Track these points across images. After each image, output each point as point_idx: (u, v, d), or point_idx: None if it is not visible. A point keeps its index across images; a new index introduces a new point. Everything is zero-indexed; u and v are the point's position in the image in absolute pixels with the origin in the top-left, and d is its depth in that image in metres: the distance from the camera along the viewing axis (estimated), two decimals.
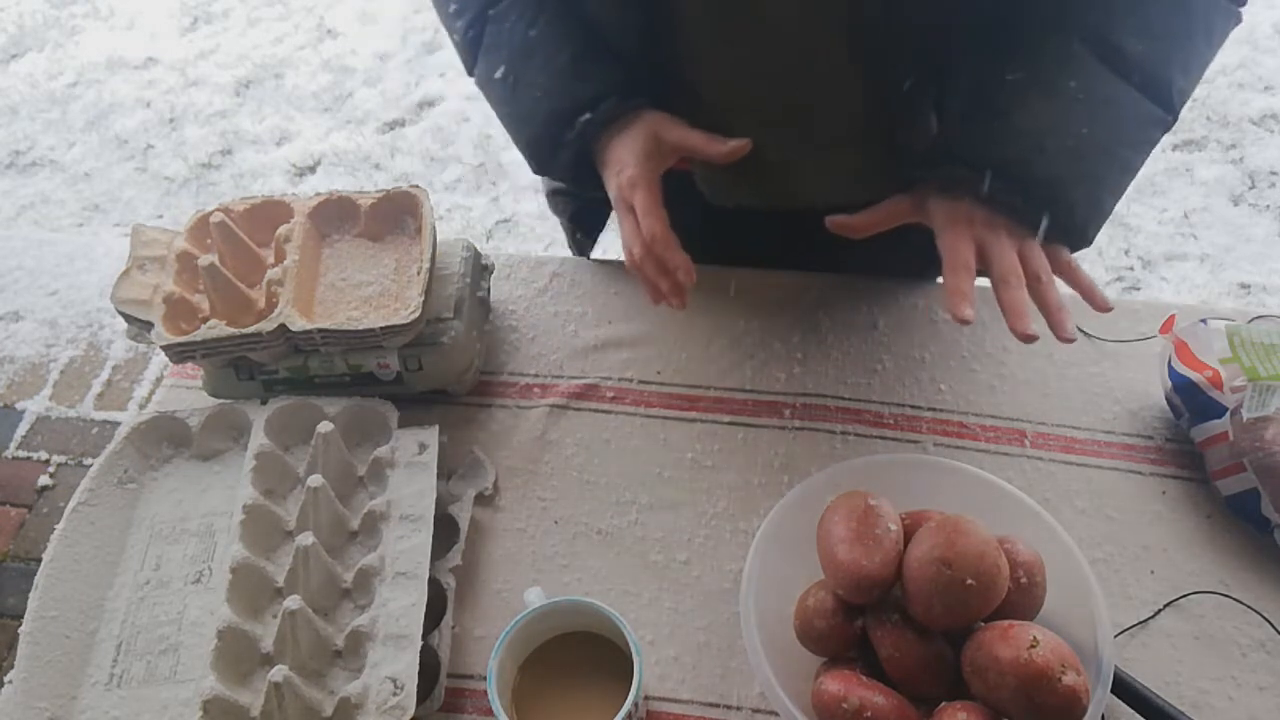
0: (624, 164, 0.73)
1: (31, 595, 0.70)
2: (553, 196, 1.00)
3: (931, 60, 0.73)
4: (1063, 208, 0.67)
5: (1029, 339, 0.65)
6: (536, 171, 0.82)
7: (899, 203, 0.73)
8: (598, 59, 0.75)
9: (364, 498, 0.77)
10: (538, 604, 0.65)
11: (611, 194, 0.75)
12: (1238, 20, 0.70)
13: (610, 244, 0.93)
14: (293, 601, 0.65)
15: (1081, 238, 0.69)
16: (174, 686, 0.67)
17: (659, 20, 0.73)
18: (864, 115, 0.78)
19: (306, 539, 0.68)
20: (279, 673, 0.62)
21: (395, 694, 0.63)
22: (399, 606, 0.67)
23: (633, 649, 0.62)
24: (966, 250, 0.67)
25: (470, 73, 0.80)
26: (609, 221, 0.91)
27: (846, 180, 0.82)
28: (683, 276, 0.72)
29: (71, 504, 0.75)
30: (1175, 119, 0.69)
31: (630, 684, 0.61)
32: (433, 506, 0.73)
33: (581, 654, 0.66)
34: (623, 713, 0.59)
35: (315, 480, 0.71)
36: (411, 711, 0.63)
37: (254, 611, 0.69)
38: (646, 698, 0.68)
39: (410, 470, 0.75)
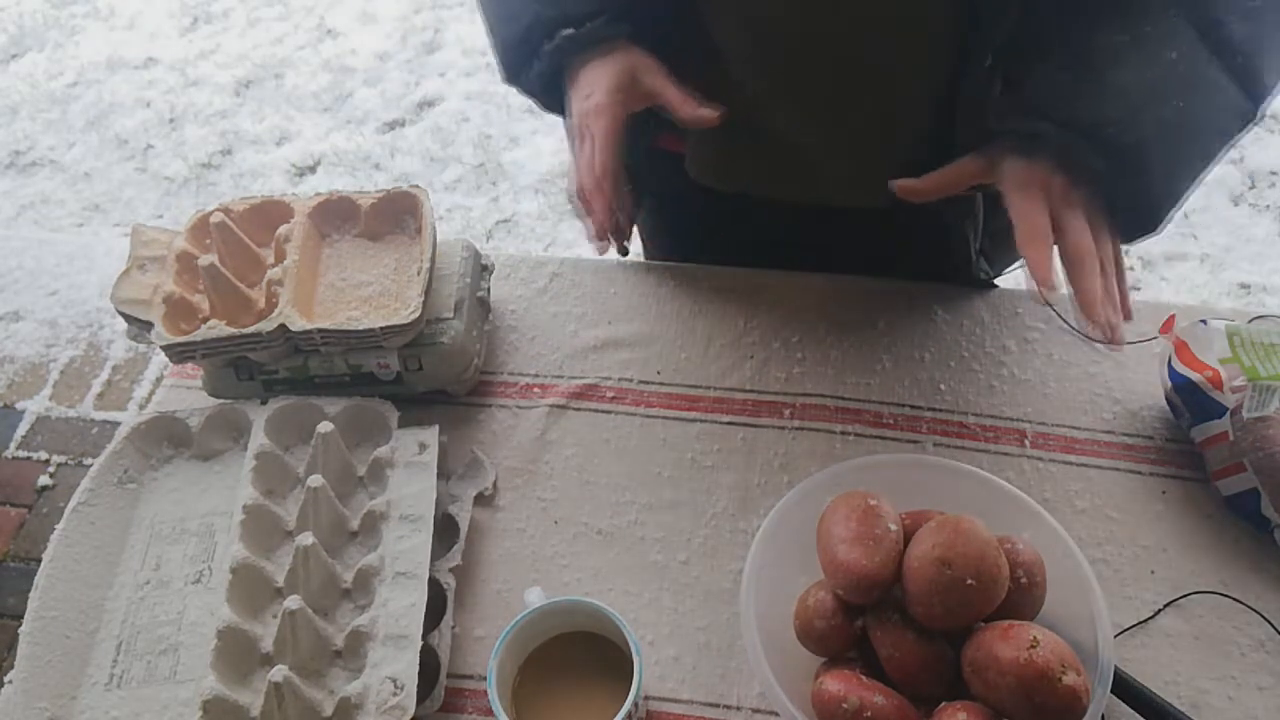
0: (593, 89, 0.71)
1: (31, 595, 0.70)
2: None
3: (1012, 43, 0.68)
4: (1144, 181, 0.64)
5: (1105, 332, 0.64)
6: (506, 79, 0.79)
7: (971, 162, 0.69)
8: None
9: (364, 498, 0.77)
10: (538, 604, 0.65)
11: (572, 116, 0.73)
12: None
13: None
14: (293, 601, 0.65)
15: (1152, 219, 0.65)
16: (174, 686, 0.67)
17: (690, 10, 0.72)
18: (921, 109, 0.75)
19: (306, 539, 0.68)
20: (279, 673, 0.62)
21: (395, 694, 0.63)
22: (399, 606, 0.67)
23: (633, 649, 0.62)
24: (1043, 219, 0.63)
25: None
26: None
27: (880, 181, 0.77)
28: (623, 219, 0.72)
29: (71, 504, 0.75)
30: (1259, 117, 0.66)
31: (630, 684, 0.61)
32: (433, 506, 0.73)
33: (582, 654, 0.66)
34: (623, 713, 0.59)
35: (315, 480, 0.71)
36: (411, 711, 0.63)
37: (254, 611, 0.69)
38: (647, 697, 0.68)
39: (410, 470, 0.75)
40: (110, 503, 0.76)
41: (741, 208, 0.88)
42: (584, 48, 0.72)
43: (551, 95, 0.76)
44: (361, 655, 0.67)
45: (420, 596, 0.68)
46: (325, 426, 0.75)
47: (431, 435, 0.77)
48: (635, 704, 0.60)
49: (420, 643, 0.66)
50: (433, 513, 0.73)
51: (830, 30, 0.71)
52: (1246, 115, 0.66)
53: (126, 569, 0.73)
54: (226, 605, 0.66)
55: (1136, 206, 0.65)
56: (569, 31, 0.71)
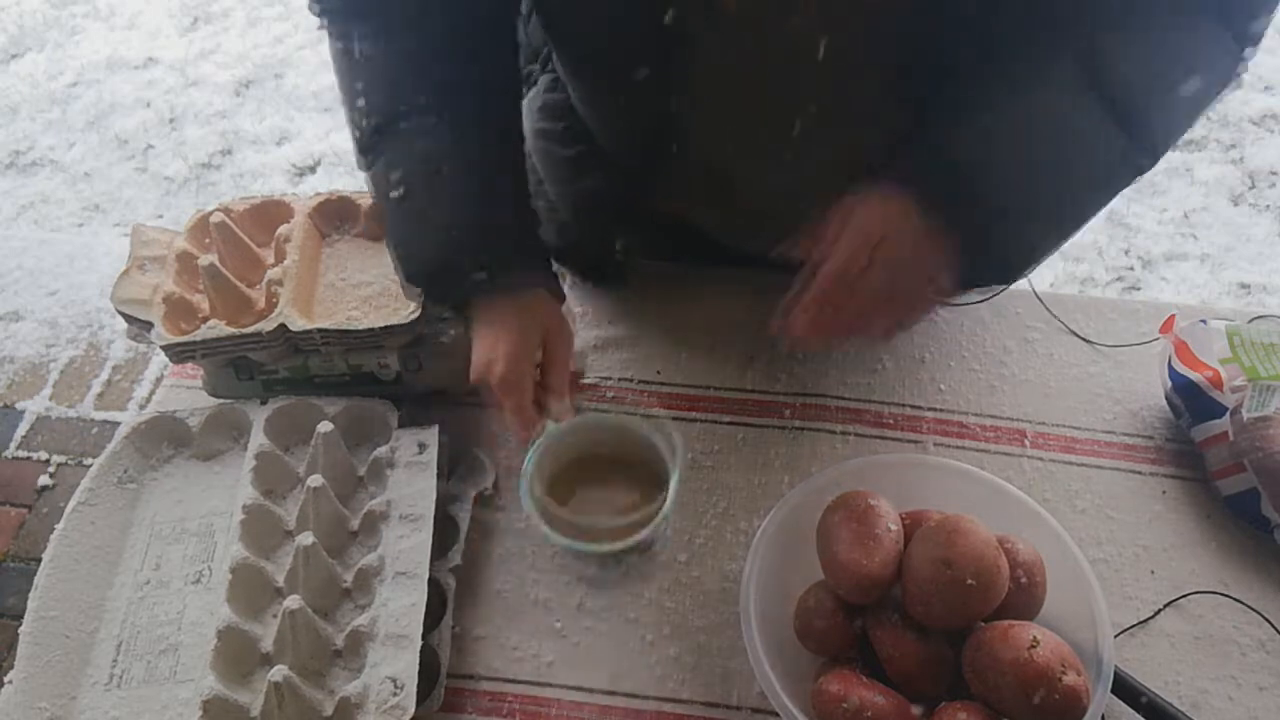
0: (495, 354, 0.67)
1: (31, 595, 0.70)
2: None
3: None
4: (997, 226, 0.61)
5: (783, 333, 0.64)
6: (407, 294, 0.76)
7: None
8: (502, 212, 0.69)
9: (364, 498, 0.77)
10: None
11: (475, 371, 0.69)
12: (1239, 78, 0.64)
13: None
14: (293, 601, 0.65)
15: (1006, 269, 0.64)
16: (174, 686, 0.67)
17: (672, 52, 0.69)
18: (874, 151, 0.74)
19: (306, 539, 0.68)
20: (278, 673, 0.62)
21: (395, 694, 0.63)
22: (399, 606, 0.67)
23: (671, 452, 0.61)
24: (852, 268, 0.61)
25: (361, 164, 0.71)
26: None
27: None
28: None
29: (71, 504, 0.75)
30: (1153, 163, 0.63)
31: (663, 493, 0.61)
32: (433, 506, 0.73)
33: (610, 474, 0.68)
34: (661, 515, 0.61)
35: (315, 480, 0.71)
36: (411, 711, 0.63)
37: (254, 611, 0.69)
38: (648, 697, 0.68)
39: (410, 470, 0.75)
40: (110, 503, 0.76)
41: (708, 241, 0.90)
42: (494, 287, 0.68)
43: (454, 309, 0.74)
44: (361, 655, 0.67)
45: (420, 596, 0.68)
46: (325, 426, 0.75)
47: (431, 435, 0.77)
48: (667, 518, 0.62)
49: (420, 643, 0.66)
50: (433, 513, 0.73)
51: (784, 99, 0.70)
52: (1137, 164, 0.62)
53: (126, 569, 0.73)
54: (226, 605, 0.66)
55: (987, 251, 0.62)
56: (480, 275, 0.67)
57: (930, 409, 0.83)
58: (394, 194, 0.68)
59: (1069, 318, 0.88)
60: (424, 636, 0.67)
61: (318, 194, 0.86)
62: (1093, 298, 0.76)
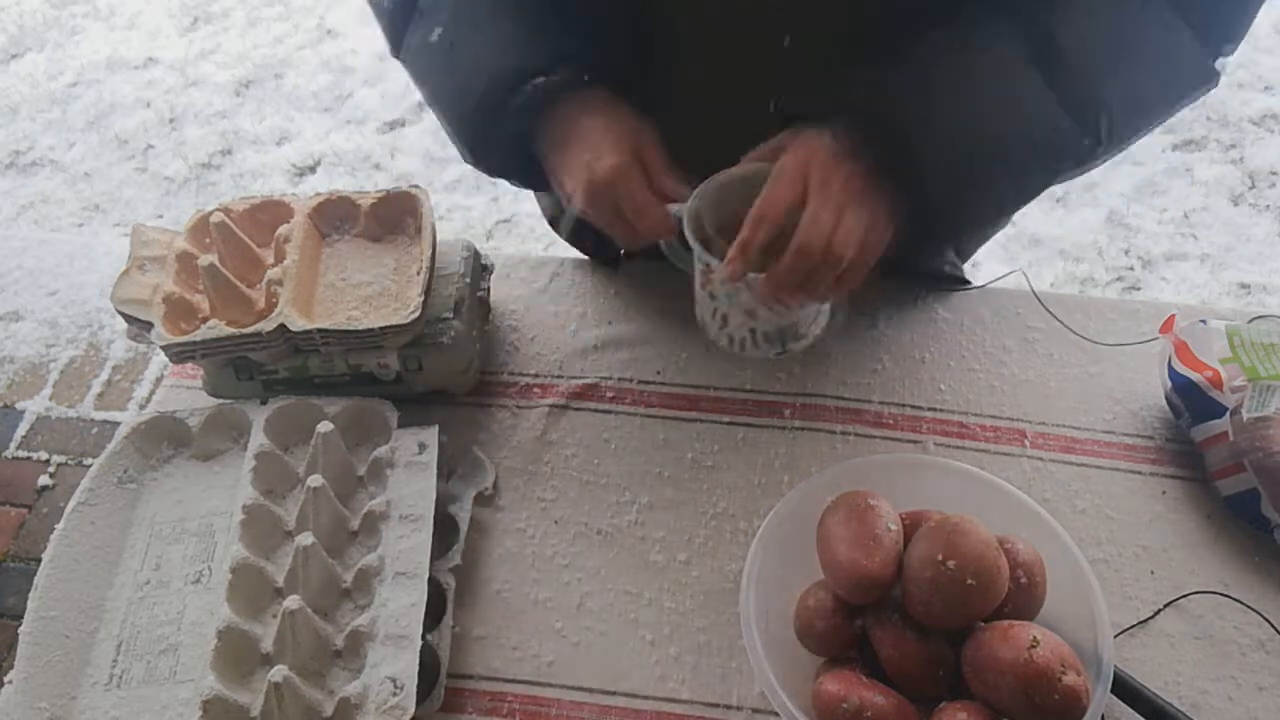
0: (600, 150, 0.62)
1: (31, 595, 0.69)
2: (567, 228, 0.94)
3: None
4: (929, 186, 0.59)
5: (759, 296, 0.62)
6: (469, 158, 0.71)
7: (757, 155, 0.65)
8: (553, 25, 0.65)
9: (364, 498, 0.77)
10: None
11: (577, 183, 0.64)
12: (1211, 83, 0.64)
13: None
14: (292, 601, 0.65)
15: (931, 226, 0.62)
16: (174, 687, 0.67)
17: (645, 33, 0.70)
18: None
19: (306, 539, 0.68)
20: (278, 673, 0.62)
21: (395, 694, 0.63)
22: (399, 606, 0.67)
23: None
24: (787, 197, 0.59)
25: (396, 46, 0.67)
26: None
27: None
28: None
29: (71, 504, 0.75)
30: (1098, 150, 0.62)
31: None
32: (433, 506, 0.73)
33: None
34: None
35: (315, 480, 0.71)
36: (411, 711, 0.63)
37: (254, 611, 0.69)
38: (648, 697, 0.68)
39: (410, 470, 0.75)
40: (110, 503, 0.76)
41: None
42: (558, 97, 0.64)
43: (520, 163, 0.69)
44: (361, 655, 0.67)
45: (420, 596, 0.68)
46: (325, 426, 0.75)
47: (431, 435, 0.77)
48: None
49: (420, 643, 0.66)
50: (432, 512, 0.73)
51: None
52: (1078, 149, 0.61)
53: (126, 569, 0.73)
54: (226, 605, 0.66)
55: (923, 204, 0.61)
56: (541, 80, 0.63)
57: (930, 409, 0.83)
58: (433, 38, 0.65)
59: (1069, 318, 0.88)
60: (424, 636, 0.67)
61: (318, 194, 0.86)
62: (1093, 298, 0.76)
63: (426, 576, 0.69)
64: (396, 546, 0.71)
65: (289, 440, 0.79)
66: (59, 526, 0.73)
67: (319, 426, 0.75)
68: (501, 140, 0.67)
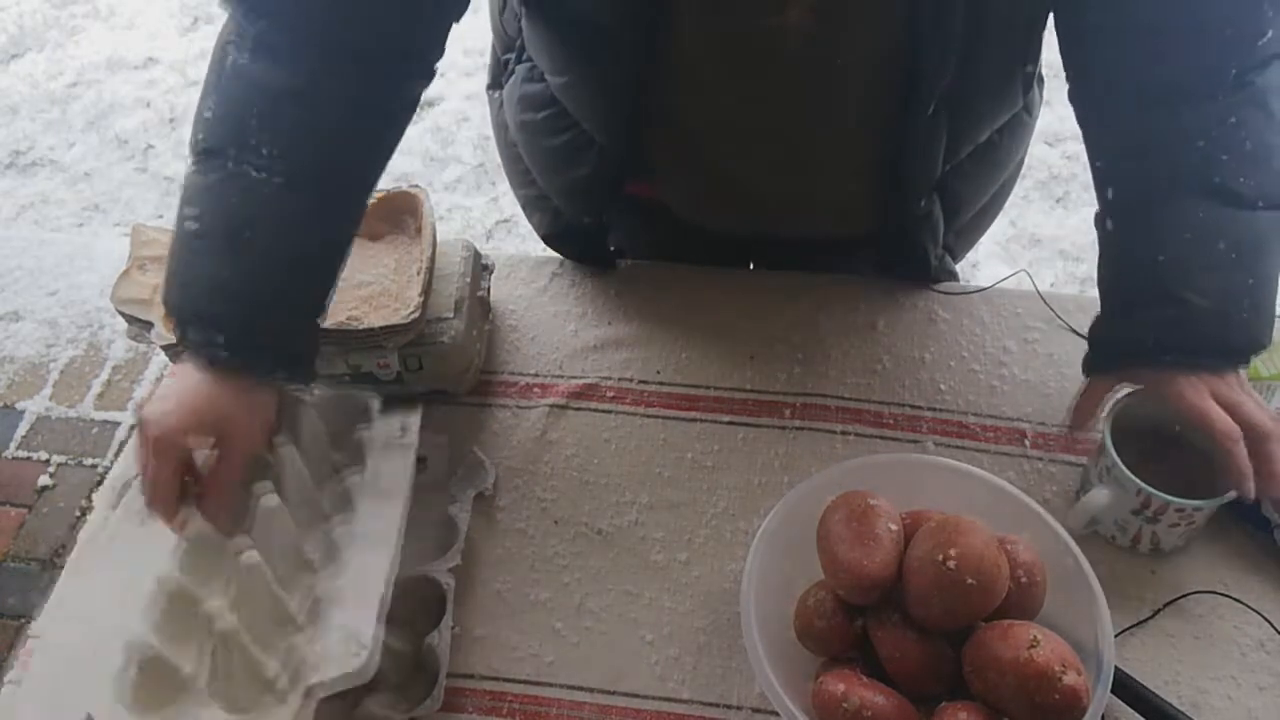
0: (166, 406, 0.63)
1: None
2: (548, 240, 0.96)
3: (953, 90, 0.71)
4: (1256, 347, 0.67)
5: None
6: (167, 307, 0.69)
7: (1101, 386, 0.73)
8: (280, 308, 0.66)
9: (340, 478, 0.75)
10: None
11: (141, 416, 0.64)
12: None
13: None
14: (249, 557, 0.62)
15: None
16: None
17: (655, 39, 0.71)
18: (869, 145, 0.77)
19: (271, 500, 0.66)
20: (227, 622, 0.60)
21: (356, 654, 0.61)
22: (363, 565, 0.66)
23: None
24: (1226, 418, 0.65)
25: (188, 164, 0.67)
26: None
27: (839, 212, 0.82)
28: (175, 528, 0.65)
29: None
30: None
31: None
32: (409, 484, 0.72)
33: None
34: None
35: (281, 440, 0.70)
36: (371, 674, 0.61)
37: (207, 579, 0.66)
38: (648, 697, 0.68)
39: (389, 450, 0.75)
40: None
41: (706, 241, 0.91)
42: (216, 361, 0.64)
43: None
44: (324, 618, 0.65)
45: (388, 559, 0.66)
46: (309, 414, 0.74)
47: (414, 417, 0.77)
48: None
49: (386, 605, 0.64)
50: (409, 490, 0.72)
51: (778, 87, 0.72)
52: None
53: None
54: (179, 572, 0.64)
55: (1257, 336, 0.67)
56: (219, 340, 0.64)
57: (930, 409, 0.83)
58: (189, 225, 0.65)
59: (1069, 318, 0.88)
60: (423, 636, 0.67)
61: None
62: (1093, 298, 0.75)
63: (397, 544, 0.68)
64: (368, 523, 0.70)
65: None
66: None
67: (300, 410, 0.73)
68: (181, 340, 0.67)
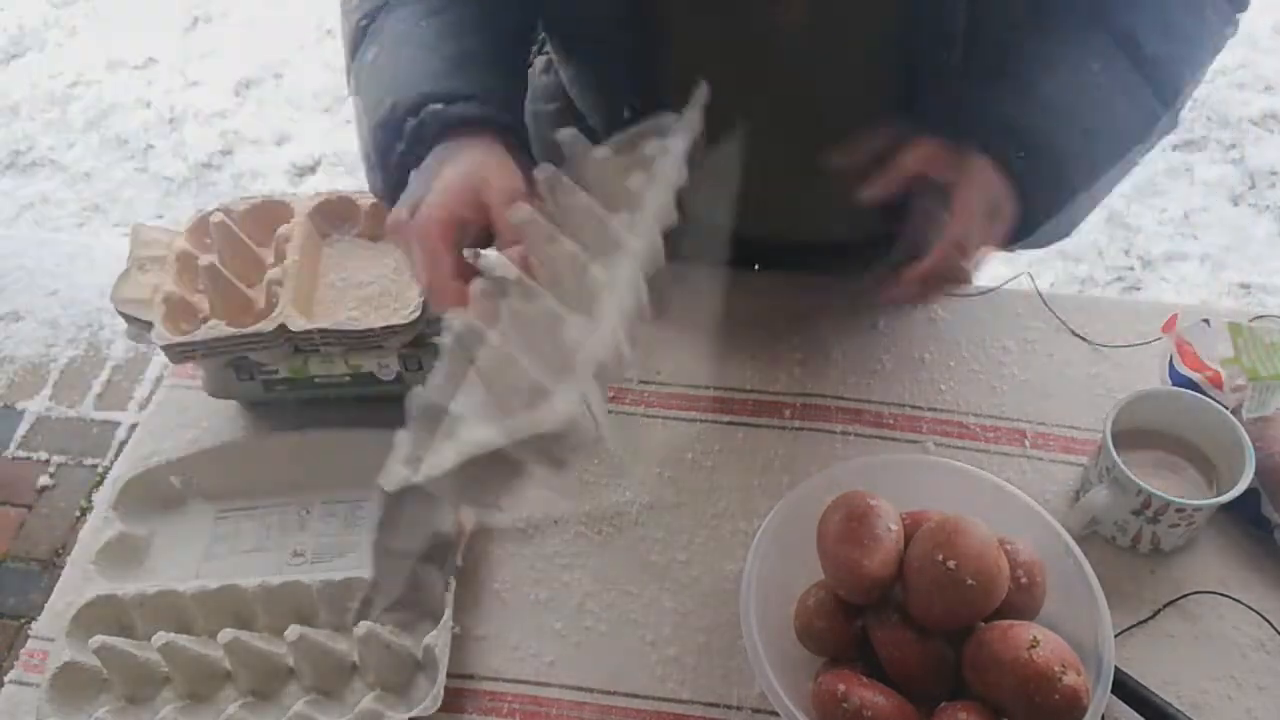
0: (426, 188, 0.59)
1: None
2: None
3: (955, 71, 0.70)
4: (1065, 189, 0.66)
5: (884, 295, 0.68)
6: (374, 185, 0.68)
7: (927, 145, 0.67)
8: (480, 60, 0.64)
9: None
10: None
11: (394, 213, 0.60)
12: (1235, 28, 0.71)
13: None
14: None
15: (1061, 228, 0.70)
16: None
17: (651, 38, 0.70)
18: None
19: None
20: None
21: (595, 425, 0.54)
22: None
23: None
24: (973, 234, 0.64)
25: (349, 77, 0.66)
26: None
27: (845, 214, 0.81)
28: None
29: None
30: (1176, 124, 0.70)
31: None
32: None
33: None
34: None
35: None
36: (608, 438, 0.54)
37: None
38: (648, 697, 0.69)
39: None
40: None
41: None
42: (446, 128, 0.61)
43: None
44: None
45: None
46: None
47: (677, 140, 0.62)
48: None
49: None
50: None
51: (780, 65, 0.71)
52: (1168, 125, 0.69)
53: None
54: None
55: (1050, 209, 0.67)
56: (437, 107, 0.61)
57: (930, 409, 0.83)
58: (367, 57, 0.65)
59: (1069, 317, 0.88)
60: (423, 636, 0.67)
61: (318, 194, 0.86)
62: (1093, 297, 0.76)
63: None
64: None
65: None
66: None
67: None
68: (392, 163, 0.64)
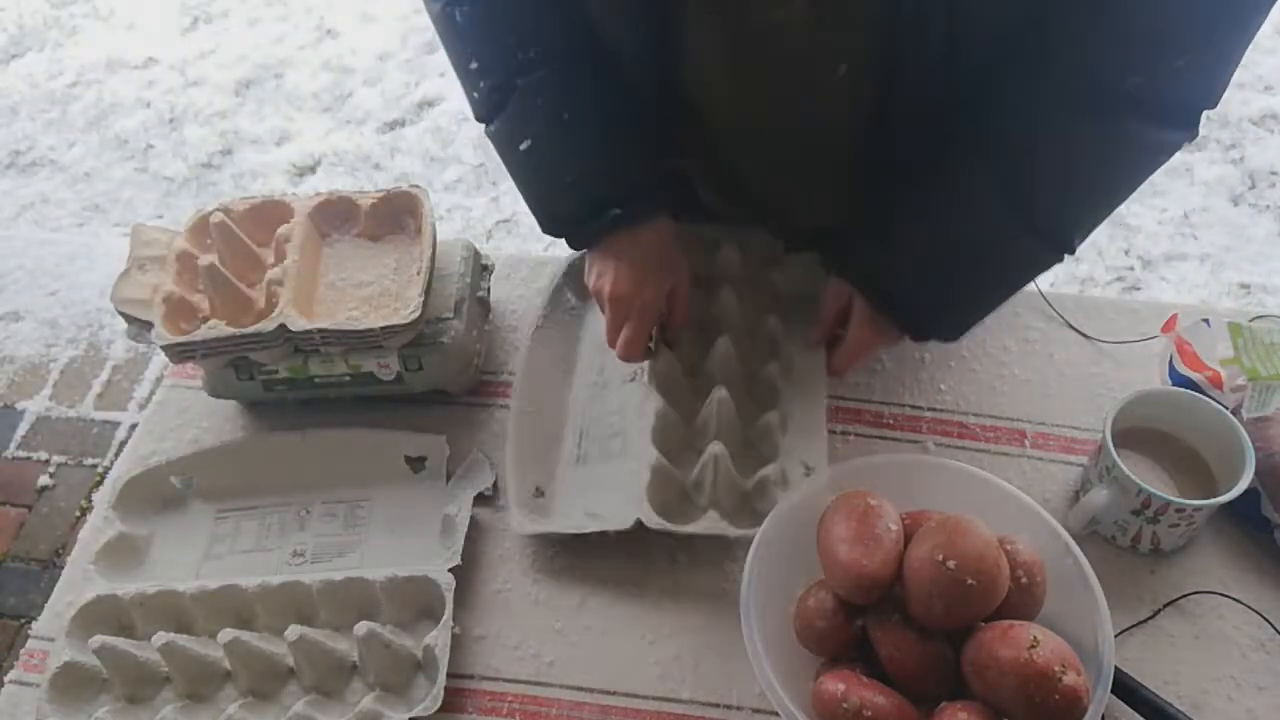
0: (607, 274, 0.74)
1: (512, 396, 0.82)
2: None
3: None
4: (935, 325, 0.74)
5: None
6: (547, 232, 0.80)
7: (833, 303, 0.78)
8: (632, 154, 0.74)
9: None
10: None
11: (593, 285, 0.75)
12: (1191, 136, 0.71)
13: None
14: (718, 391, 0.76)
15: (950, 335, 0.76)
16: (622, 461, 0.77)
17: (665, 51, 0.72)
18: (859, 139, 0.77)
19: (720, 392, 0.77)
20: (717, 445, 0.73)
21: (806, 474, 0.74)
22: (800, 406, 0.79)
23: None
24: (863, 356, 0.78)
25: (481, 121, 0.75)
26: None
27: (837, 203, 0.82)
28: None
29: (531, 328, 0.86)
30: (1071, 254, 0.71)
31: None
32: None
33: None
34: None
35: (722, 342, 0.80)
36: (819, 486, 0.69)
37: (679, 405, 0.79)
38: (648, 697, 0.68)
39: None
40: (562, 327, 0.87)
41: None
42: (628, 224, 0.73)
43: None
44: (773, 445, 0.77)
45: (818, 400, 0.79)
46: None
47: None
48: None
49: (826, 433, 0.77)
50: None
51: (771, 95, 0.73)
52: (1055, 260, 0.71)
53: (580, 374, 0.85)
54: (657, 396, 0.77)
55: (930, 334, 0.75)
56: (617, 211, 0.72)
57: (930, 409, 0.83)
58: (522, 146, 0.72)
59: (1069, 317, 0.88)
60: (423, 636, 0.67)
61: (318, 194, 0.86)
62: (1093, 297, 0.76)
63: (824, 390, 0.79)
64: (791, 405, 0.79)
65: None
66: (526, 344, 0.85)
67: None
68: (577, 241, 0.77)
